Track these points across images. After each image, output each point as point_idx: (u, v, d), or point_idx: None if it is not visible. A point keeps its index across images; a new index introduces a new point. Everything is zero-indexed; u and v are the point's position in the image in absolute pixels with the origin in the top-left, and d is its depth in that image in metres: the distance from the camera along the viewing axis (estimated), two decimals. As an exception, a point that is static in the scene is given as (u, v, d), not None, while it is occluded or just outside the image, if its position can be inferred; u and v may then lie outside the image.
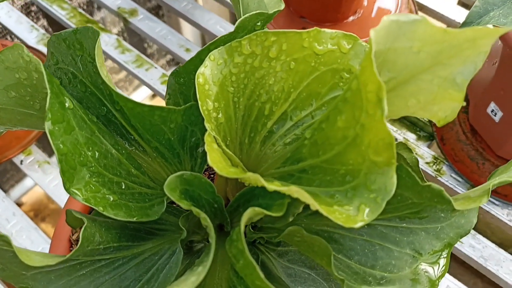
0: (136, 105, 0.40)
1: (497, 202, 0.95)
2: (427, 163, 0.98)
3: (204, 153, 0.47)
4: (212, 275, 0.40)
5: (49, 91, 0.34)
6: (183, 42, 1.19)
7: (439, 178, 0.96)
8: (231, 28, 1.22)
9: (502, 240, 1.15)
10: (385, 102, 0.30)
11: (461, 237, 0.43)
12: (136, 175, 0.42)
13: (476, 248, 0.92)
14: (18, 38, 1.22)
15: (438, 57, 0.33)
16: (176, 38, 1.20)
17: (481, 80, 0.90)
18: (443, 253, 0.44)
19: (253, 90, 0.43)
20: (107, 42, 1.19)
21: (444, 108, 0.37)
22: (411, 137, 1.03)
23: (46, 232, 0.96)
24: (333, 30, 0.42)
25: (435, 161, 0.99)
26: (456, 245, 0.86)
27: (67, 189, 0.35)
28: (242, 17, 0.43)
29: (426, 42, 0.33)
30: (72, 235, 0.59)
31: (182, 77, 0.46)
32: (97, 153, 0.38)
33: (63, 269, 0.41)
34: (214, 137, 0.39)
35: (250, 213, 0.33)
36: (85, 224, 0.37)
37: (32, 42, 1.20)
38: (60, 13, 1.24)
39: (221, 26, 1.23)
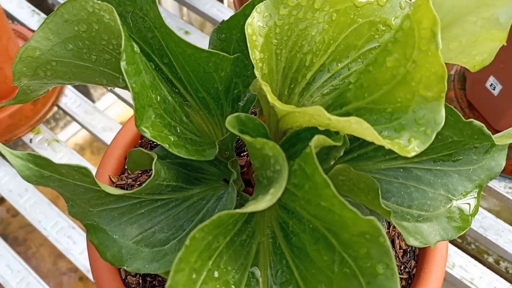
0: (195, 51, 0.42)
1: (494, 175, 0.97)
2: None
3: (244, 107, 0.49)
4: (262, 216, 0.43)
5: (123, 34, 0.36)
6: (182, 25, 1.21)
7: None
8: (227, 11, 1.24)
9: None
10: (439, 36, 0.33)
11: (490, 179, 0.46)
12: (186, 123, 0.45)
13: (476, 218, 0.95)
14: (19, 22, 1.23)
15: (483, -2, 0.36)
16: (176, 21, 1.22)
17: (480, 56, 0.93)
18: (474, 193, 0.47)
19: (295, 41, 0.45)
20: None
21: (483, 51, 0.39)
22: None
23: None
24: (373, -18, 0.45)
25: (433, 136, 1.02)
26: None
27: (138, 126, 0.37)
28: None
29: (473, -16, 0.35)
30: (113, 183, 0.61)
31: (224, 33, 0.48)
32: (158, 97, 0.40)
33: (125, 207, 0.43)
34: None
35: (316, 141, 0.35)
36: (155, 159, 0.39)
37: (33, 26, 1.21)
38: (60, -3, 1.25)
39: (218, 10, 1.24)
